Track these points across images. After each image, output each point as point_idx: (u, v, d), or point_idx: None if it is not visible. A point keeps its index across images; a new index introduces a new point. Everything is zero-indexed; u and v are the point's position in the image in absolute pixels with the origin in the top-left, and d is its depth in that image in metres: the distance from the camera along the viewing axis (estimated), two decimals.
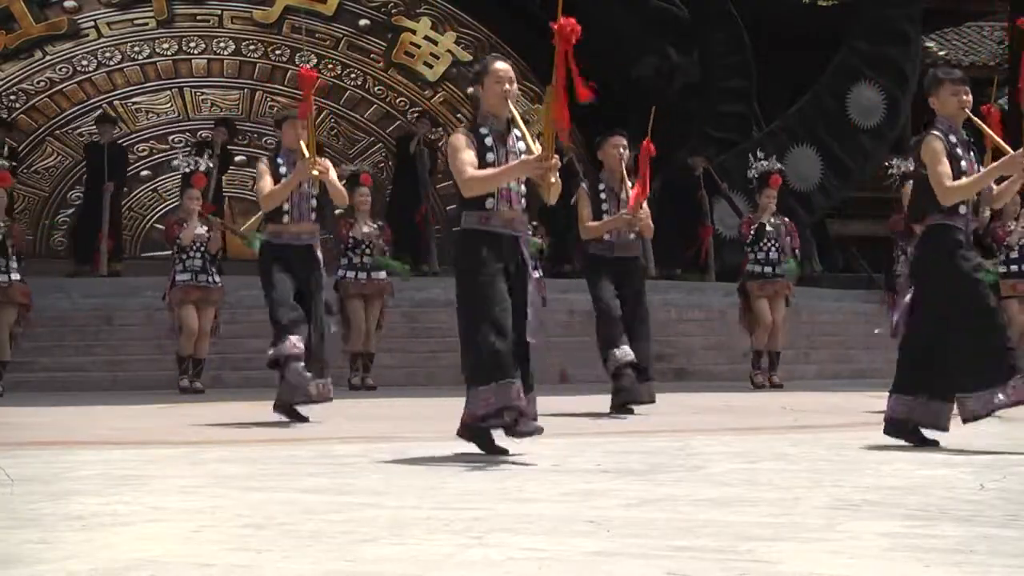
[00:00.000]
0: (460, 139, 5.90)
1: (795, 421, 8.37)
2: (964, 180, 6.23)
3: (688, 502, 4.33)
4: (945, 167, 6.21)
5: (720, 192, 16.69)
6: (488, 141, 5.93)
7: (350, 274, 12.30)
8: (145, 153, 16.96)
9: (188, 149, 15.12)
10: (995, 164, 6.31)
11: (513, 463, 5.69)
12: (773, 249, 12.60)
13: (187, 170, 12.65)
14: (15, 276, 11.50)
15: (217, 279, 11.98)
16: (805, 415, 8.85)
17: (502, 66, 5.98)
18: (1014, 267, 12.89)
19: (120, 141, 16.18)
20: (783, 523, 3.82)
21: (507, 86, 5.94)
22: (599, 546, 3.43)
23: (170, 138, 16.55)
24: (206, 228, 11.83)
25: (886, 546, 3.41)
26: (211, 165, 13.70)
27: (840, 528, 3.72)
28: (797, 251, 13.21)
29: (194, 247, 11.86)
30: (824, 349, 15.08)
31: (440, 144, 16.77)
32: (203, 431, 7.74)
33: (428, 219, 16.07)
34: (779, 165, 13.22)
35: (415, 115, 17.58)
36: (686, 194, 16.20)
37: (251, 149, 17.16)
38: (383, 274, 12.40)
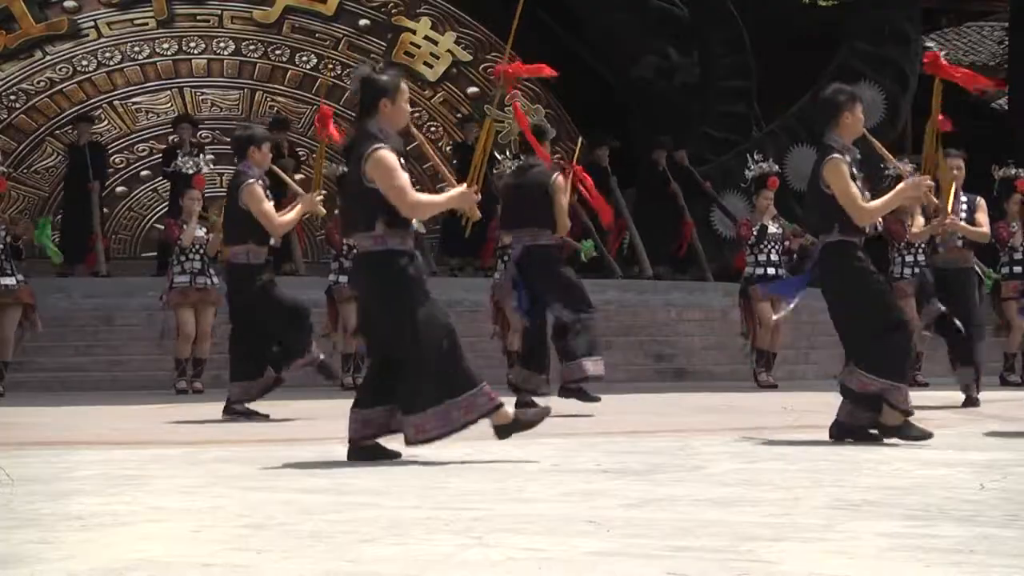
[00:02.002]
0: (392, 156, 5.63)
1: (795, 421, 8.37)
2: (878, 202, 6.58)
3: (688, 502, 4.33)
4: (855, 188, 6.49)
5: (705, 192, 16.66)
6: (401, 161, 5.75)
7: (343, 278, 12.28)
8: (145, 153, 16.95)
9: (191, 149, 15.10)
10: (900, 187, 6.75)
11: (513, 463, 5.70)
12: (775, 252, 12.59)
13: (191, 171, 12.65)
14: (20, 277, 11.51)
15: (215, 280, 11.97)
16: (805, 415, 8.85)
17: (406, 85, 5.88)
18: (1017, 268, 12.89)
19: (117, 140, 16.18)
20: (783, 523, 3.82)
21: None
22: (599, 546, 3.43)
23: (170, 138, 16.52)
24: (205, 230, 11.83)
25: (886, 546, 3.41)
26: (210, 167, 13.69)
27: (840, 528, 3.72)
28: (795, 254, 13.19)
29: (193, 249, 11.86)
30: (824, 349, 15.03)
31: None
32: (203, 431, 7.74)
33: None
34: (776, 167, 13.21)
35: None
36: (655, 190, 16.17)
37: None
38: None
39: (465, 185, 5.96)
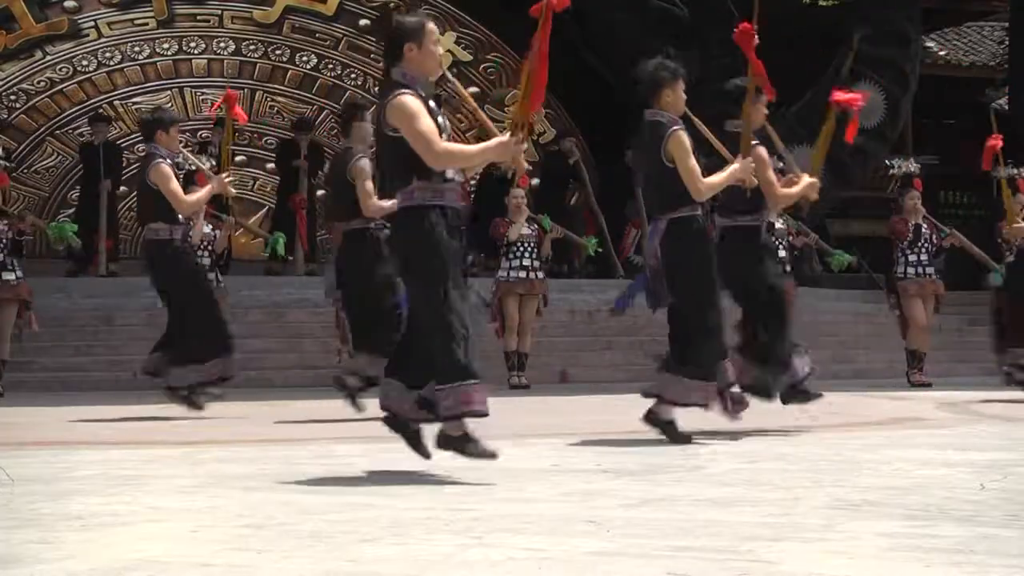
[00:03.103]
0: (415, 101, 5.10)
1: (795, 421, 8.36)
2: (714, 178, 6.69)
3: (688, 502, 4.33)
4: (695, 164, 6.59)
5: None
6: (432, 106, 5.23)
7: None
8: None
9: (189, 148, 15.11)
10: (731, 168, 6.82)
11: (513, 463, 5.69)
12: (780, 248, 12.59)
13: (191, 168, 12.67)
14: (19, 274, 11.52)
15: (220, 279, 11.98)
16: (805, 415, 8.85)
17: (434, 26, 5.41)
18: None
19: (118, 141, 16.18)
20: (783, 523, 3.82)
21: (440, 49, 5.39)
22: (599, 546, 3.43)
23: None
24: (212, 227, 11.82)
25: (886, 546, 3.41)
26: (212, 163, 13.71)
27: (840, 528, 3.71)
28: (797, 251, 13.19)
29: (200, 246, 11.85)
30: (824, 349, 15.05)
31: None
32: (203, 431, 7.74)
33: None
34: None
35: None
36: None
37: (251, 149, 17.16)
38: None
39: (508, 134, 5.24)
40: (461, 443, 5.08)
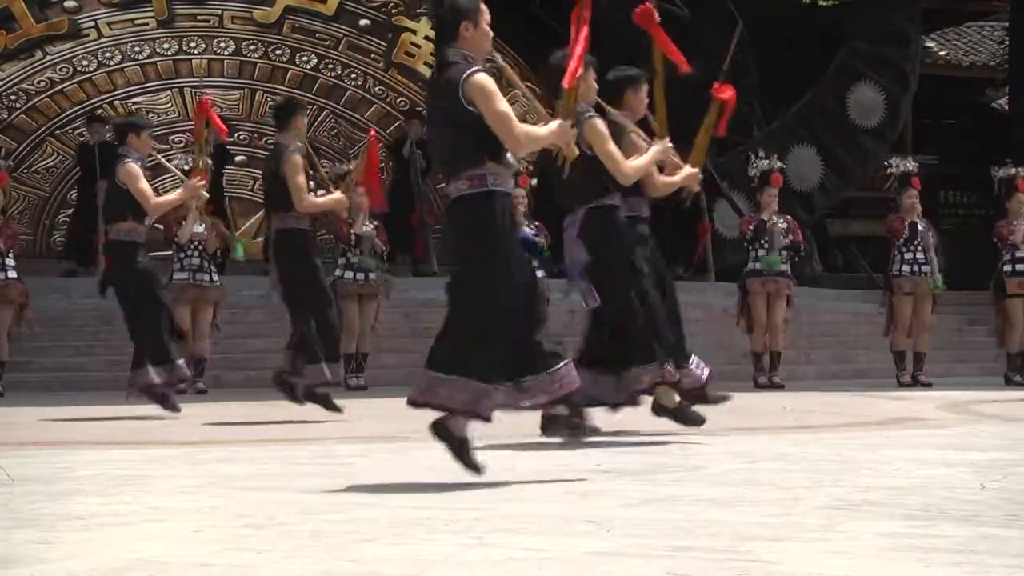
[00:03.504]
0: (492, 80, 4.92)
1: (795, 421, 8.37)
2: (639, 161, 6.39)
3: (688, 502, 4.33)
4: (615, 147, 6.28)
5: (720, 191, 16.68)
6: None
7: (348, 274, 12.28)
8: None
9: (188, 148, 15.13)
10: (653, 150, 6.53)
11: (513, 463, 5.69)
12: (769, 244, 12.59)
13: (187, 167, 12.66)
14: (11, 275, 11.51)
15: (216, 278, 11.97)
16: (805, 415, 8.85)
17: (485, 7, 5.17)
18: (1020, 266, 12.89)
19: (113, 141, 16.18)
20: (783, 523, 3.82)
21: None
22: (599, 546, 3.43)
23: (170, 138, 16.56)
24: (204, 227, 11.82)
25: (886, 546, 3.41)
26: (209, 162, 13.72)
27: (840, 528, 3.71)
28: (802, 247, 13.18)
29: (192, 245, 11.85)
30: (824, 349, 15.08)
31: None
32: (203, 431, 7.74)
33: (425, 220, 16.07)
34: (780, 164, 13.22)
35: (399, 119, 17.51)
36: (679, 191, 16.15)
37: (251, 149, 17.16)
38: (375, 274, 12.39)
39: (562, 119, 5.15)
40: (457, 445, 4.92)
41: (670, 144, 6.70)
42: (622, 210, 6.64)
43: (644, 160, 6.54)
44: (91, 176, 15.11)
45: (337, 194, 8.63)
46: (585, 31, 5.21)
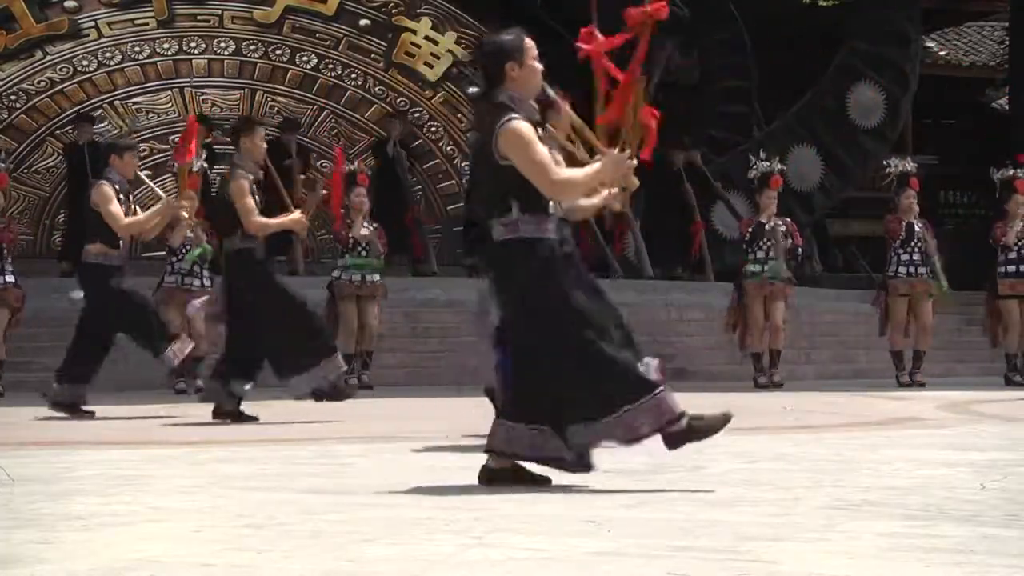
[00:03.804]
0: (529, 128, 4.76)
1: (795, 421, 8.37)
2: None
3: (688, 502, 4.33)
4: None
5: (715, 192, 16.68)
6: (539, 132, 4.87)
7: (345, 276, 12.28)
8: (145, 153, 16.95)
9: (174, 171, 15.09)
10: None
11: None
12: (773, 249, 12.59)
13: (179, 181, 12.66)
14: (9, 279, 11.53)
15: (207, 283, 11.96)
16: (805, 415, 8.85)
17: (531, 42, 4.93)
18: (1012, 267, 12.90)
19: (107, 138, 16.18)
20: (783, 523, 3.82)
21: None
22: (599, 546, 3.43)
23: (170, 138, 16.53)
24: (194, 233, 11.82)
25: (886, 546, 3.41)
26: (205, 165, 13.72)
27: (840, 528, 3.71)
28: (800, 250, 13.19)
29: (183, 249, 11.86)
30: (824, 349, 15.08)
31: (414, 144, 16.80)
32: (203, 431, 7.74)
33: (419, 220, 16.08)
34: (780, 166, 13.22)
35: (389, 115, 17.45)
36: (668, 190, 16.13)
37: None
38: (377, 276, 12.39)
39: (616, 149, 5.00)
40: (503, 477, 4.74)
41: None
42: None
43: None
44: (82, 176, 15.10)
45: (296, 214, 8.62)
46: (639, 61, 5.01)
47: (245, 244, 8.30)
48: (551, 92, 5.17)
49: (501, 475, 4.76)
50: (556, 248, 4.77)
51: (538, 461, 4.74)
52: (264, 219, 8.37)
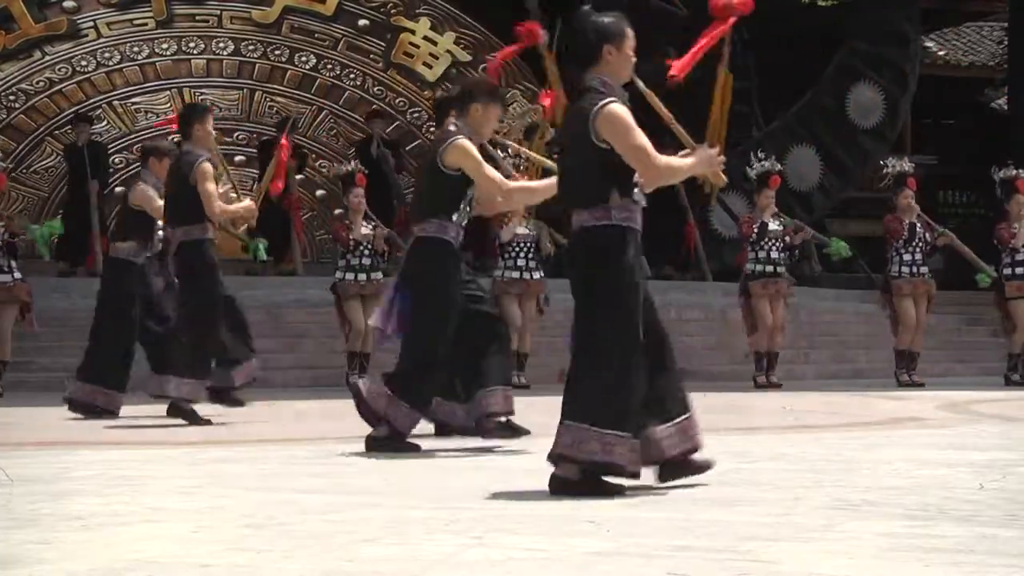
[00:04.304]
0: (628, 112, 4.69)
1: (795, 421, 8.37)
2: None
3: (688, 502, 4.33)
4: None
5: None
6: None
7: (348, 275, 12.28)
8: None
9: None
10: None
11: (513, 463, 5.69)
12: (775, 249, 12.58)
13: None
14: (17, 275, 11.56)
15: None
16: (805, 415, 8.85)
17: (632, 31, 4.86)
18: (1020, 269, 12.89)
19: (117, 140, 16.18)
20: (783, 523, 3.82)
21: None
22: (599, 546, 3.43)
23: (169, 139, 16.52)
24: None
25: (885, 546, 3.41)
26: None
27: (839, 528, 3.71)
28: (797, 250, 13.19)
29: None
30: (824, 349, 15.07)
31: (412, 144, 16.73)
32: (202, 431, 7.73)
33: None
34: (779, 166, 13.21)
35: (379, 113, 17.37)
36: (662, 191, 16.09)
37: (249, 149, 17.14)
38: (380, 275, 12.38)
39: (706, 144, 5.00)
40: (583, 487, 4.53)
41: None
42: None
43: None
44: (81, 176, 15.09)
45: (247, 201, 8.60)
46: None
47: (199, 235, 8.22)
48: (640, 84, 5.11)
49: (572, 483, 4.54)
50: (637, 242, 4.68)
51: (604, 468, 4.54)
52: (225, 206, 8.28)
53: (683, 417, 4.74)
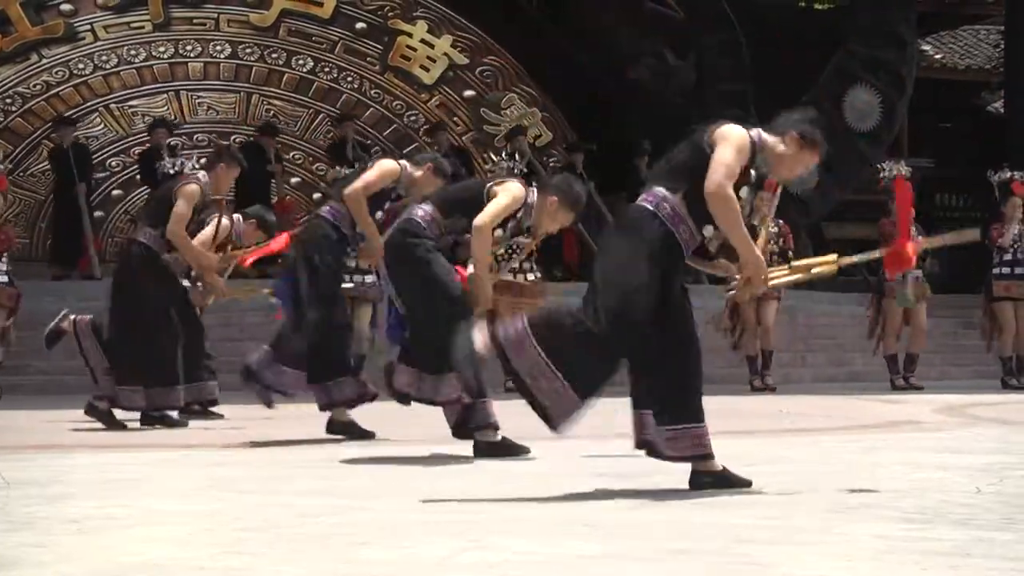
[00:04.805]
0: (743, 137, 4.92)
1: (791, 424, 8.37)
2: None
3: (685, 505, 4.33)
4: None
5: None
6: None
7: (356, 278, 12.27)
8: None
9: (187, 151, 15.07)
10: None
11: (510, 465, 5.69)
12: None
13: (171, 171, 12.64)
14: (3, 279, 11.48)
15: (200, 284, 11.92)
16: (801, 418, 8.85)
17: None
18: (1006, 269, 12.92)
19: (114, 144, 16.18)
20: (780, 526, 3.82)
21: None
22: (596, 548, 3.43)
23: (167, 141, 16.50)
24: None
25: (882, 549, 3.41)
26: (196, 167, 13.71)
27: (836, 531, 3.72)
28: (791, 252, 13.19)
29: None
30: (820, 352, 15.08)
31: (369, 144, 16.67)
32: (199, 434, 7.73)
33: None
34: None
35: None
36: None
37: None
38: (370, 277, 12.35)
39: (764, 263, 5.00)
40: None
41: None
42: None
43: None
44: (68, 179, 15.05)
45: (210, 255, 8.49)
46: None
47: (155, 245, 8.20)
48: (765, 170, 5.16)
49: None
50: (670, 240, 4.70)
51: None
52: (185, 238, 8.15)
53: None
